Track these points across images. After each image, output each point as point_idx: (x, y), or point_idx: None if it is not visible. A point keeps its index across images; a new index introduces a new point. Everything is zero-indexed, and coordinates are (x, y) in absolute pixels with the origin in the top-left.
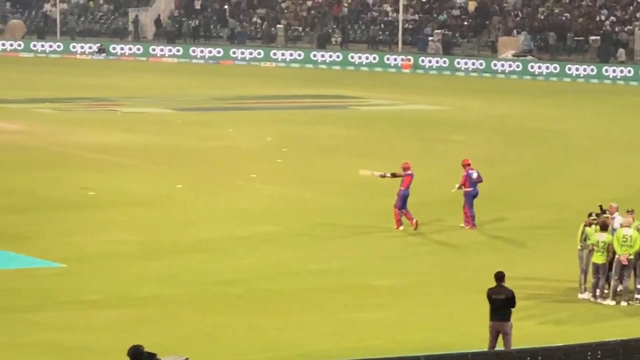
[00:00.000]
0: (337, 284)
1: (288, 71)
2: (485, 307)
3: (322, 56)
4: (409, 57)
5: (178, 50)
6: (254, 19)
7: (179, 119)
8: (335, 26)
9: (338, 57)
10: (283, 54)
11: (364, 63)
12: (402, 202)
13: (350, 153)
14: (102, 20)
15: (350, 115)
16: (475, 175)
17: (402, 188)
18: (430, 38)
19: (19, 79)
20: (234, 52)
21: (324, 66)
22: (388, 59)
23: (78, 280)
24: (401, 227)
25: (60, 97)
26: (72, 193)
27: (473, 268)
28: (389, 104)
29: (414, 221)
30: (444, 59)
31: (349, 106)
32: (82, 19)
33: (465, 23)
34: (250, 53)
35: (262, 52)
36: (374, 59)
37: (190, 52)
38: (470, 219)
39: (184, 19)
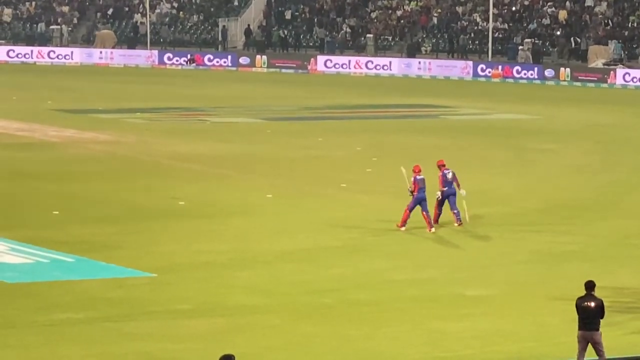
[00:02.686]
0: (427, 294)
1: (377, 80)
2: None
3: (412, 65)
4: (498, 65)
5: (267, 60)
6: (344, 29)
7: (269, 129)
8: (424, 35)
9: (428, 66)
10: (372, 63)
11: (453, 72)
12: (414, 204)
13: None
14: (192, 31)
15: (441, 124)
16: (450, 175)
17: (416, 193)
18: (520, 47)
19: (109, 88)
20: (324, 62)
21: (413, 75)
22: (478, 68)
23: (168, 290)
24: (403, 228)
25: (150, 107)
26: (163, 203)
27: (564, 277)
28: (479, 113)
29: (431, 229)
30: (534, 67)
31: (440, 115)
32: (172, 29)
33: (557, 32)
34: (340, 62)
35: (351, 61)
36: (464, 68)
37: (280, 62)
38: (434, 219)
39: (273, 28)
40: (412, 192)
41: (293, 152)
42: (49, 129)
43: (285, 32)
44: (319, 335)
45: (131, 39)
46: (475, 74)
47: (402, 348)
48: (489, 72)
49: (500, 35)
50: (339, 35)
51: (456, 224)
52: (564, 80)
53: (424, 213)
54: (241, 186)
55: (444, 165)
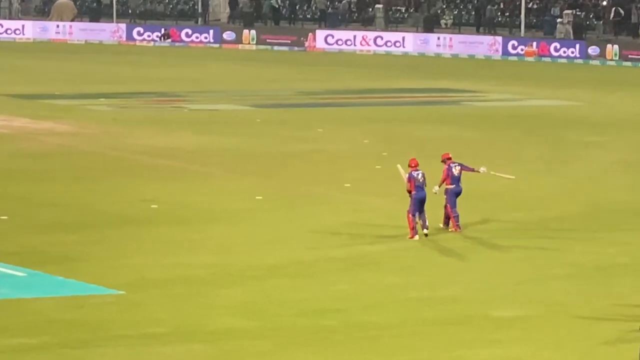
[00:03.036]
0: (448, 315)
1: (388, 59)
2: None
3: (430, 42)
4: (533, 42)
5: (256, 35)
6: None
7: (259, 118)
8: (444, 6)
9: (449, 42)
10: (382, 39)
11: (479, 50)
12: (415, 207)
13: (463, 158)
14: (167, 1)
15: (463, 112)
16: (457, 170)
17: (414, 192)
18: (558, 20)
19: (68, 69)
20: (324, 37)
21: (431, 54)
22: (508, 45)
23: (138, 311)
24: (416, 237)
25: (117, 91)
26: (132, 206)
27: (612, 295)
28: (509, 99)
29: (425, 231)
30: (575, 44)
31: (462, 101)
32: None
33: (603, 2)
34: (344, 38)
35: (357, 37)
36: (492, 44)
37: (272, 37)
38: (454, 220)
39: None
40: (410, 192)
41: (287, 146)
42: None
43: (279, 1)
44: None
45: (94, 10)
46: (505, 52)
47: None
48: (522, 50)
49: (535, 6)
50: (342, 6)
51: (453, 229)
52: (611, 60)
53: (421, 214)
54: (226, 187)
55: (450, 159)
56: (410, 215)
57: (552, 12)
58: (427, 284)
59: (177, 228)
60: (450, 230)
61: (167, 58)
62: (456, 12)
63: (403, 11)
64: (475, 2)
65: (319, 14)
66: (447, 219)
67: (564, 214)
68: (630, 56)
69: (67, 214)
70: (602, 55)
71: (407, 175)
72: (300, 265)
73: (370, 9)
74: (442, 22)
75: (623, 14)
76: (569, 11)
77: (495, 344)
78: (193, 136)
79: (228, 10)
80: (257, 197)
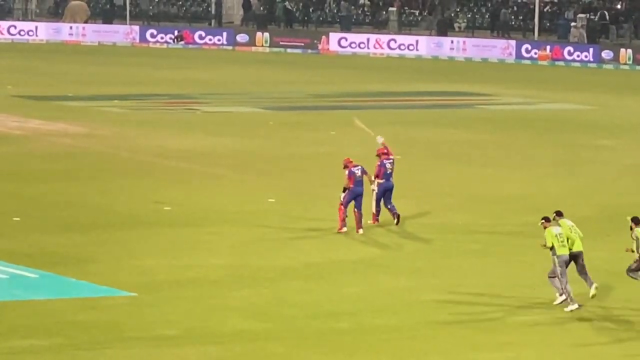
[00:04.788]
0: (459, 318)
1: (402, 62)
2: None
3: (443, 45)
4: (546, 45)
5: (270, 38)
6: (362, 1)
7: (272, 120)
8: (458, 9)
9: (462, 46)
10: (396, 42)
11: (492, 53)
12: (349, 200)
13: (476, 161)
14: (180, 2)
15: (477, 115)
16: (390, 164)
17: (352, 186)
18: (572, 24)
19: (81, 71)
20: (338, 40)
21: (444, 57)
22: (522, 49)
23: (150, 312)
24: (344, 229)
25: (130, 93)
26: (145, 208)
27: (625, 299)
28: (523, 103)
29: (343, 227)
30: (589, 48)
31: (475, 105)
32: (156, 0)
33: (617, 6)
34: (357, 41)
35: (370, 40)
36: (505, 48)
37: (285, 40)
38: (373, 217)
39: (277, 0)
40: (347, 188)
41: (300, 148)
42: (9, 118)
43: (292, 4)
44: None
45: (107, 12)
46: (519, 56)
47: None
48: (535, 54)
49: (549, 10)
50: (356, 9)
51: (395, 221)
52: (625, 64)
53: (356, 210)
54: (238, 189)
55: (385, 154)
56: (342, 207)
57: (565, 16)
58: (438, 287)
59: (190, 230)
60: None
61: (180, 60)
62: (470, 15)
63: (417, 14)
64: (489, 5)
65: (332, 16)
66: (376, 213)
67: (575, 218)
68: None
69: (79, 215)
70: (615, 59)
71: (347, 171)
72: (312, 268)
73: (384, 12)
74: (456, 25)
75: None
76: (583, 15)
77: (508, 348)
78: (206, 138)
79: (241, 12)
80: (269, 200)
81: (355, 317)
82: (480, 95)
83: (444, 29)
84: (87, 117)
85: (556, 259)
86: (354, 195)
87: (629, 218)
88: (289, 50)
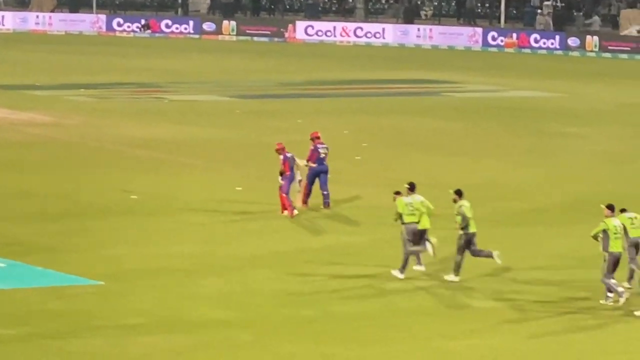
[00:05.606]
0: (427, 306)
1: (368, 51)
2: (608, 336)
3: (410, 33)
4: (513, 33)
5: (236, 26)
6: None
7: (238, 109)
8: None
9: (429, 33)
10: (362, 30)
11: (459, 41)
12: (288, 186)
13: (444, 149)
14: None
15: (443, 103)
16: (323, 149)
17: (288, 173)
18: (538, 11)
19: (48, 60)
20: (304, 28)
21: (411, 45)
22: (488, 36)
23: (118, 301)
24: (295, 212)
25: (97, 82)
26: (112, 197)
27: (593, 287)
28: (490, 90)
29: (293, 211)
30: (555, 35)
31: (442, 92)
32: None
33: None
34: (323, 29)
35: (337, 28)
36: (472, 36)
37: (251, 28)
38: (305, 197)
39: None
40: (283, 173)
41: (267, 137)
42: None
43: None
44: (299, 354)
45: (74, 1)
46: (485, 43)
47: None
48: (502, 41)
49: None
50: None
51: (323, 207)
52: (591, 51)
53: (287, 195)
54: (206, 177)
55: (318, 138)
56: (284, 195)
57: (532, 3)
58: (407, 275)
59: (157, 218)
60: (322, 207)
61: (147, 49)
62: (436, 3)
63: (383, 2)
64: None
65: (299, 5)
66: (306, 197)
67: (544, 206)
68: (610, 47)
69: (47, 204)
70: (582, 46)
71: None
72: (280, 256)
73: (351, 0)
74: (422, 13)
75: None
76: (549, 2)
77: (474, 335)
78: (173, 127)
79: (208, 1)
80: (237, 188)
81: (323, 304)
82: (447, 83)
83: (411, 16)
84: (54, 106)
85: (404, 228)
86: (291, 180)
87: (603, 206)
88: (255, 38)
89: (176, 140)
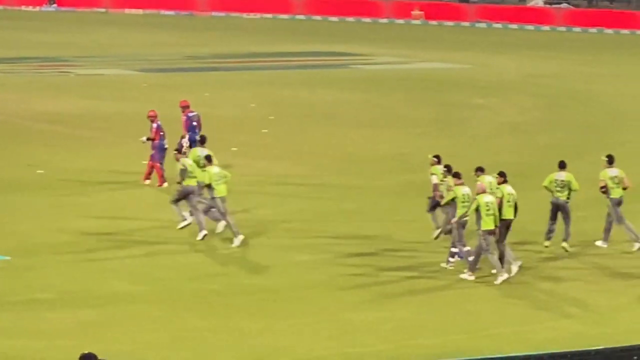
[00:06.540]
0: (334, 279)
1: (275, 23)
2: (509, 306)
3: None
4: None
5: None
6: None
7: (145, 82)
8: None
9: (335, 5)
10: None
11: (365, 12)
12: (161, 155)
13: (351, 121)
14: None
15: (351, 75)
16: (195, 117)
17: (157, 141)
18: None
19: None
20: (211, 2)
21: (318, 17)
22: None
23: (25, 276)
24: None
25: (2, 57)
26: (17, 171)
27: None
28: (397, 62)
29: (147, 181)
30: (460, 6)
31: (349, 65)
32: None
33: None
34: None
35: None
36: (378, 7)
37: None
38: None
39: None
40: (149, 139)
41: (174, 110)
42: None
43: None
44: (207, 328)
45: None
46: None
47: (305, 343)
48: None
49: None
50: None
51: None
52: (498, 23)
53: (158, 164)
54: (112, 152)
55: (187, 107)
56: (158, 164)
57: None
58: (314, 248)
59: (64, 193)
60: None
61: (53, 23)
62: None
63: None
64: None
65: None
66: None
67: None
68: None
69: None
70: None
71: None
72: (187, 230)
73: None
74: None
75: None
76: None
77: (380, 308)
78: (79, 101)
79: None
80: (143, 162)
81: (231, 278)
82: (354, 55)
83: None
84: None
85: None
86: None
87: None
88: (162, 12)
89: (82, 114)
